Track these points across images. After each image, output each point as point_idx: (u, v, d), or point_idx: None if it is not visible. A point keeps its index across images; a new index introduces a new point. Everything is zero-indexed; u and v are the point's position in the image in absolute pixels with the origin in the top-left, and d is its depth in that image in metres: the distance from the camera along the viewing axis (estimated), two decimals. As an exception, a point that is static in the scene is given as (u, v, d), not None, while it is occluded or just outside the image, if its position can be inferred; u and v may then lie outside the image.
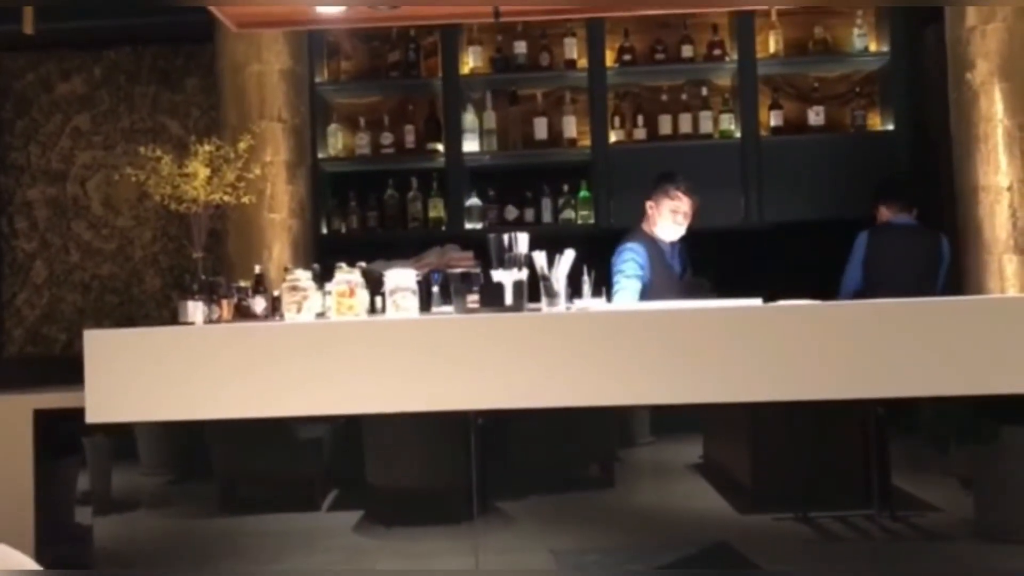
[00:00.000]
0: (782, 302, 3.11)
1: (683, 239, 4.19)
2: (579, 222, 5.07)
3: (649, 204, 4.07)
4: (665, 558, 2.95)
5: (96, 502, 3.08)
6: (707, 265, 4.96)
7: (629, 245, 4.04)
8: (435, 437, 3.06)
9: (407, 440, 3.09)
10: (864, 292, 4.21)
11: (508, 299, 3.00)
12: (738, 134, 5.03)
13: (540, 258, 3.05)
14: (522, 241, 3.05)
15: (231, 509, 3.13)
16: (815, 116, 5.10)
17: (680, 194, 4.01)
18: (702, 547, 2.93)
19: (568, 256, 3.07)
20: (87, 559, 3.04)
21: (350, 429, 3.06)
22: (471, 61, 5.16)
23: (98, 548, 3.03)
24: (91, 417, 2.96)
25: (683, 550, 2.96)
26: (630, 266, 3.95)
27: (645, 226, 4.11)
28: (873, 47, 5.09)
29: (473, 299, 3.02)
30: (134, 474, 3.13)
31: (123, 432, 3.06)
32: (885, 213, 4.37)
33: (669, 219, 4.02)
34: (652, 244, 4.05)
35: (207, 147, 3.29)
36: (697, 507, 2.88)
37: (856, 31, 5.07)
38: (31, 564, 1.30)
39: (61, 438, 3.21)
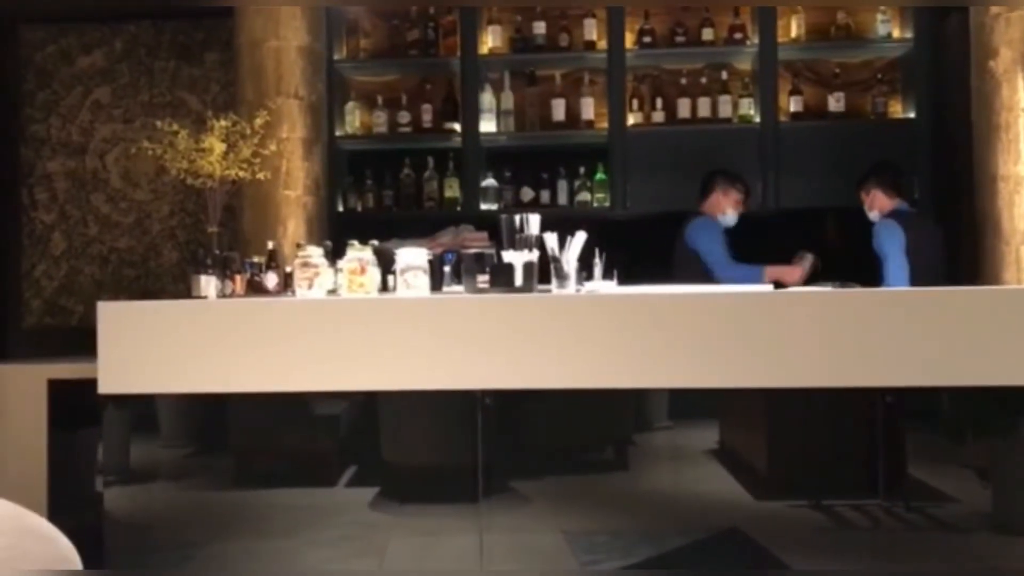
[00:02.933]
0: (792, 288, 3.10)
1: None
2: (595, 205, 5.05)
3: (716, 197, 4.52)
4: (676, 542, 2.96)
5: (107, 473, 3.12)
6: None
7: (705, 223, 4.49)
8: (445, 416, 3.07)
9: (419, 418, 3.11)
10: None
11: (518, 280, 3.00)
12: (757, 119, 5.00)
13: (551, 240, 3.05)
14: (533, 222, 3.05)
15: (248, 483, 3.16)
16: (835, 102, 5.06)
17: (740, 186, 4.55)
18: (714, 532, 2.93)
19: (579, 238, 3.07)
20: (100, 528, 3.08)
21: (367, 406, 3.08)
22: (490, 41, 5.14)
23: (108, 518, 3.07)
24: (103, 388, 2.99)
25: (694, 535, 2.96)
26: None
27: (708, 210, 4.52)
28: (896, 33, 5.03)
29: (483, 279, 3.03)
30: (154, 446, 3.16)
31: (143, 404, 3.08)
32: (883, 200, 4.28)
33: (733, 208, 4.53)
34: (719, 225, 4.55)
35: (223, 122, 3.31)
36: (711, 492, 2.88)
37: (880, 17, 5.01)
38: (63, 540, 1.32)
39: (79, 408, 3.24)
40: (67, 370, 3.31)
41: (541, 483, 3.06)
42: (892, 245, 4.11)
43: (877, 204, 4.30)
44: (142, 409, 3.10)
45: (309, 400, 3.09)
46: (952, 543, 2.96)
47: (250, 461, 3.18)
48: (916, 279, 4.01)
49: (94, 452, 3.28)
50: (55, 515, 3.38)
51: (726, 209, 4.52)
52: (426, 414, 3.08)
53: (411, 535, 3.04)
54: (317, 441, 3.15)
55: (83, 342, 3.17)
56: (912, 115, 4.97)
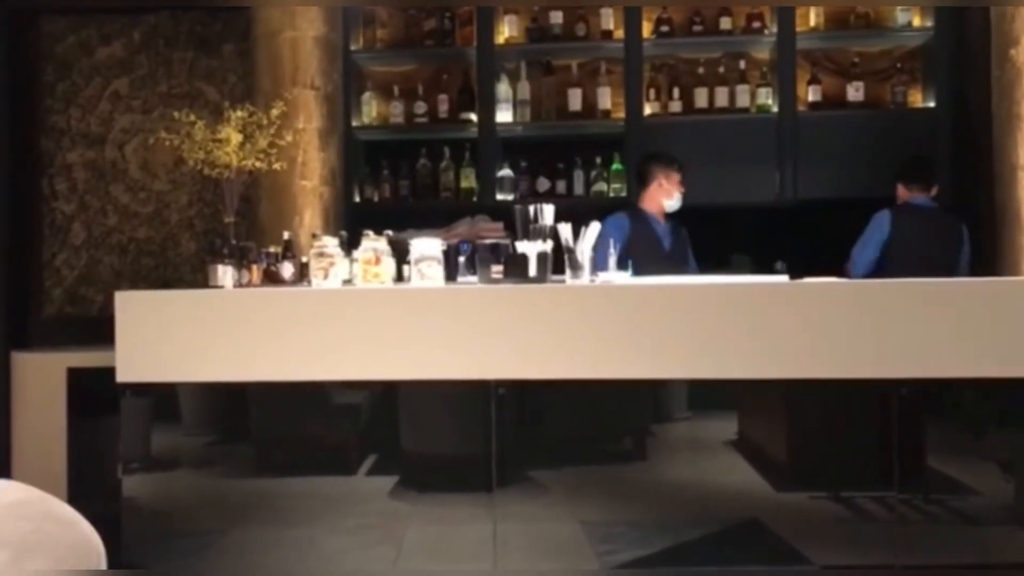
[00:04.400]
0: (807, 279, 3.09)
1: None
2: (611, 195, 5.04)
3: (659, 181, 4.32)
4: (694, 533, 2.96)
5: (127, 461, 3.15)
6: (739, 241, 4.93)
7: (612, 217, 4.28)
8: (459, 406, 3.08)
9: (435, 408, 3.12)
10: (883, 273, 4.17)
11: (532, 270, 3.00)
12: (775, 108, 4.97)
13: (565, 230, 3.05)
14: (548, 213, 3.05)
15: (269, 471, 3.18)
16: (854, 92, 5.02)
17: (677, 166, 4.36)
18: (732, 523, 2.93)
19: (593, 229, 3.07)
20: (120, 515, 3.11)
21: (386, 395, 3.10)
22: (506, 30, 5.13)
23: (128, 505, 3.10)
24: (121, 376, 3.02)
25: (713, 526, 2.96)
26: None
27: (646, 203, 4.36)
28: (917, 22, 4.98)
29: (497, 269, 3.03)
30: (175, 434, 3.19)
31: (164, 393, 3.11)
32: (904, 192, 4.33)
33: (677, 190, 4.32)
34: (641, 218, 4.32)
35: (240, 113, 3.33)
36: (729, 483, 2.87)
37: (899, 5, 4.96)
38: (86, 525, 1.34)
39: (99, 397, 3.27)
40: (86, 359, 3.35)
41: (557, 473, 3.06)
42: (866, 234, 4.29)
43: (900, 196, 4.34)
44: (163, 398, 3.13)
45: (329, 390, 3.11)
46: (973, 536, 2.95)
47: (270, 450, 3.21)
48: (905, 269, 4.00)
49: (115, 440, 3.31)
50: (75, 502, 3.43)
51: (673, 193, 4.33)
52: (441, 404, 3.09)
53: (429, 524, 3.06)
54: (337, 430, 3.17)
55: (103, 331, 3.19)
56: (932, 104, 4.92)
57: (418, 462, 3.12)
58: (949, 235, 4.26)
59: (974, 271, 4.32)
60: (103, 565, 1.26)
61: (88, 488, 3.36)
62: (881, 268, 4.22)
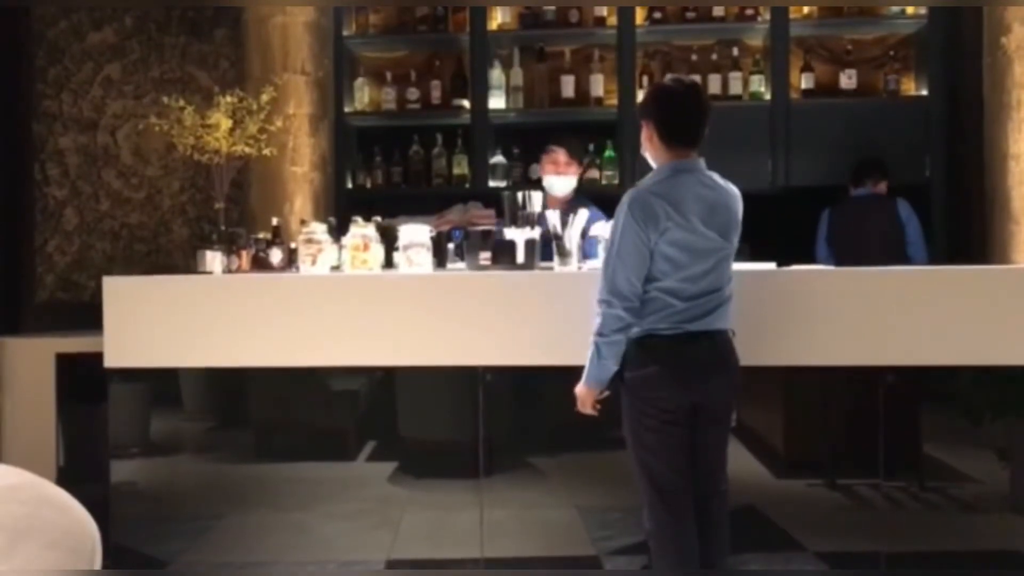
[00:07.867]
0: (795, 267, 3.09)
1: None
2: (603, 182, 5.04)
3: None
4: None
5: (115, 445, 3.15)
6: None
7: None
8: (448, 392, 3.09)
9: (427, 394, 3.12)
10: (837, 264, 4.26)
11: (520, 257, 3.00)
12: (768, 96, 4.96)
13: (553, 217, 3.05)
14: (536, 199, 3.05)
15: (267, 456, 3.19)
16: (847, 79, 5.01)
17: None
18: (729, 510, 2.94)
19: (582, 216, 3.07)
20: (109, 500, 3.12)
21: (384, 381, 3.10)
22: (499, 16, 5.11)
23: (116, 490, 3.10)
24: (109, 362, 3.02)
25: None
26: None
27: None
28: (910, 10, 4.95)
29: (485, 256, 3.03)
30: (171, 419, 3.20)
31: (161, 378, 3.11)
32: (853, 190, 4.55)
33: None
34: None
35: (229, 99, 3.32)
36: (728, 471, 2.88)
37: (890, 5, 4.95)
38: (81, 510, 1.34)
39: (91, 382, 3.27)
40: (74, 344, 3.35)
41: (549, 459, 3.07)
42: (818, 233, 4.60)
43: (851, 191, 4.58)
44: (159, 383, 3.13)
45: (327, 376, 3.11)
46: (970, 524, 2.96)
47: (268, 435, 3.21)
48: (850, 259, 4.08)
49: (104, 426, 3.31)
50: (64, 487, 3.42)
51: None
52: (431, 391, 3.10)
53: (424, 510, 3.08)
54: (336, 416, 3.18)
55: (95, 317, 3.18)
56: (924, 93, 4.91)
57: (414, 448, 3.13)
58: (886, 217, 4.41)
59: (967, 259, 4.33)
60: (98, 550, 1.26)
61: (78, 473, 3.36)
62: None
